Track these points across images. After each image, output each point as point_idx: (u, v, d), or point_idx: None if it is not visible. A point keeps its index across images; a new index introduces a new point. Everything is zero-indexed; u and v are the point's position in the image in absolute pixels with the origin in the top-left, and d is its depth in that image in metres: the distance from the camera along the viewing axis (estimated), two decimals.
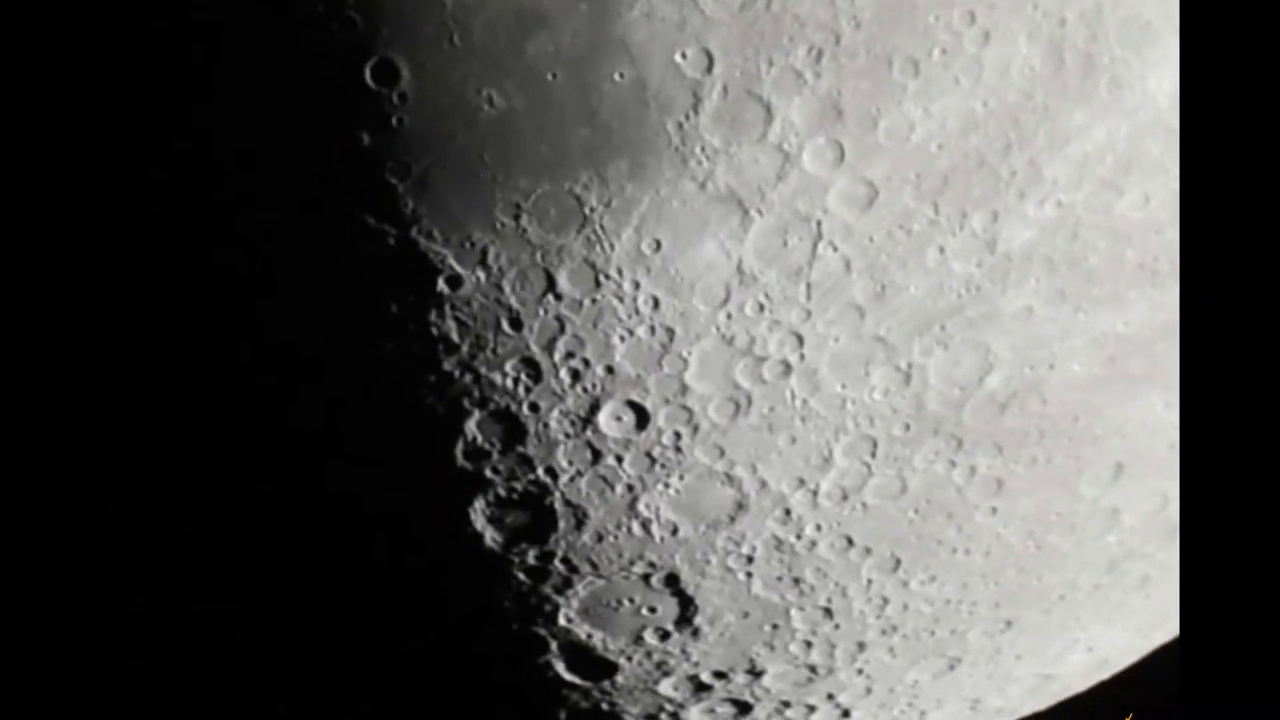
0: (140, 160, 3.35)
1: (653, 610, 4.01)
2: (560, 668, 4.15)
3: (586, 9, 3.20)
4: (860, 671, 4.33)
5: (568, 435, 3.61)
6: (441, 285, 3.40)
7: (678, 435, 3.63)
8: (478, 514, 3.74)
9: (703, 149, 3.30)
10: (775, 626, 4.09)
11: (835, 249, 3.42)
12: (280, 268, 3.42)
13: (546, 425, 3.60)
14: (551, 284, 3.40)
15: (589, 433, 3.61)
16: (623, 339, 3.47)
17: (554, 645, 4.09)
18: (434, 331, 3.46)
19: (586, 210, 3.33)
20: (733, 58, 3.25)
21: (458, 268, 3.38)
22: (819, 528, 3.85)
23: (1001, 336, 3.59)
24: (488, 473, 3.67)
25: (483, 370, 3.51)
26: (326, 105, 3.27)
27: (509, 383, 3.53)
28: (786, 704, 4.42)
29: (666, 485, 3.70)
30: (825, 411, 3.64)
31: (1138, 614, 4.49)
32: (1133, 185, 3.47)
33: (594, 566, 3.87)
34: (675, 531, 3.80)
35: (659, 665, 4.17)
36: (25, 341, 3.55)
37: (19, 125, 3.38)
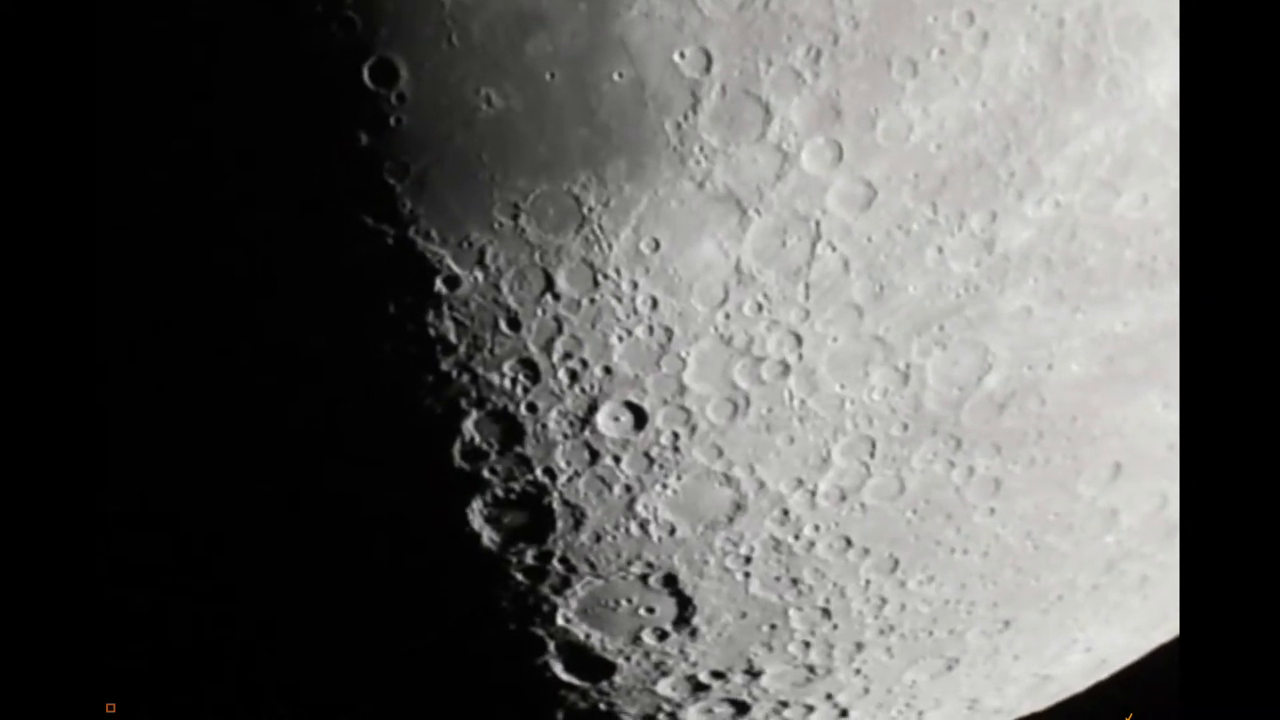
0: (140, 160, 3.35)
1: (651, 610, 4.01)
2: (558, 668, 4.15)
3: (585, 9, 3.20)
4: (858, 671, 4.33)
5: (566, 435, 3.61)
6: (439, 285, 3.40)
7: (676, 435, 3.63)
8: (475, 514, 3.74)
9: (701, 149, 3.30)
10: (773, 626, 4.09)
11: (834, 249, 3.42)
12: (280, 268, 3.42)
13: (544, 425, 3.60)
14: (550, 284, 3.40)
15: (587, 433, 3.61)
16: (621, 339, 3.47)
17: (552, 645, 4.09)
18: (432, 332, 3.46)
19: (585, 210, 3.33)
20: (731, 57, 3.25)
21: (456, 268, 3.38)
22: (817, 528, 3.85)
23: (1000, 336, 3.59)
24: (485, 473, 3.67)
25: (480, 370, 3.51)
26: (325, 105, 3.27)
27: (507, 383, 3.53)
28: (784, 704, 4.42)
29: (664, 485, 3.70)
30: (823, 412, 3.64)
31: (1136, 614, 4.48)
32: (1131, 185, 3.47)
33: (592, 567, 3.87)
34: (673, 532, 3.80)
35: (657, 665, 4.17)
36: (25, 341, 3.55)
37: (19, 125, 3.38)
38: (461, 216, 3.33)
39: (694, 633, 4.08)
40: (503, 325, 3.45)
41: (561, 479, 3.68)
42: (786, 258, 3.42)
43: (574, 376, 3.52)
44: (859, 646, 4.22)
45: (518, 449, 3.63)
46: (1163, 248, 3.56)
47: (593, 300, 3.42)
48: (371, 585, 3.94)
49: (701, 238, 3.37)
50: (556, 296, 3.42)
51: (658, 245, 3.37)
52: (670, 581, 3.93)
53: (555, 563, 3.85)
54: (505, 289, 3.41)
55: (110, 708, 4.26)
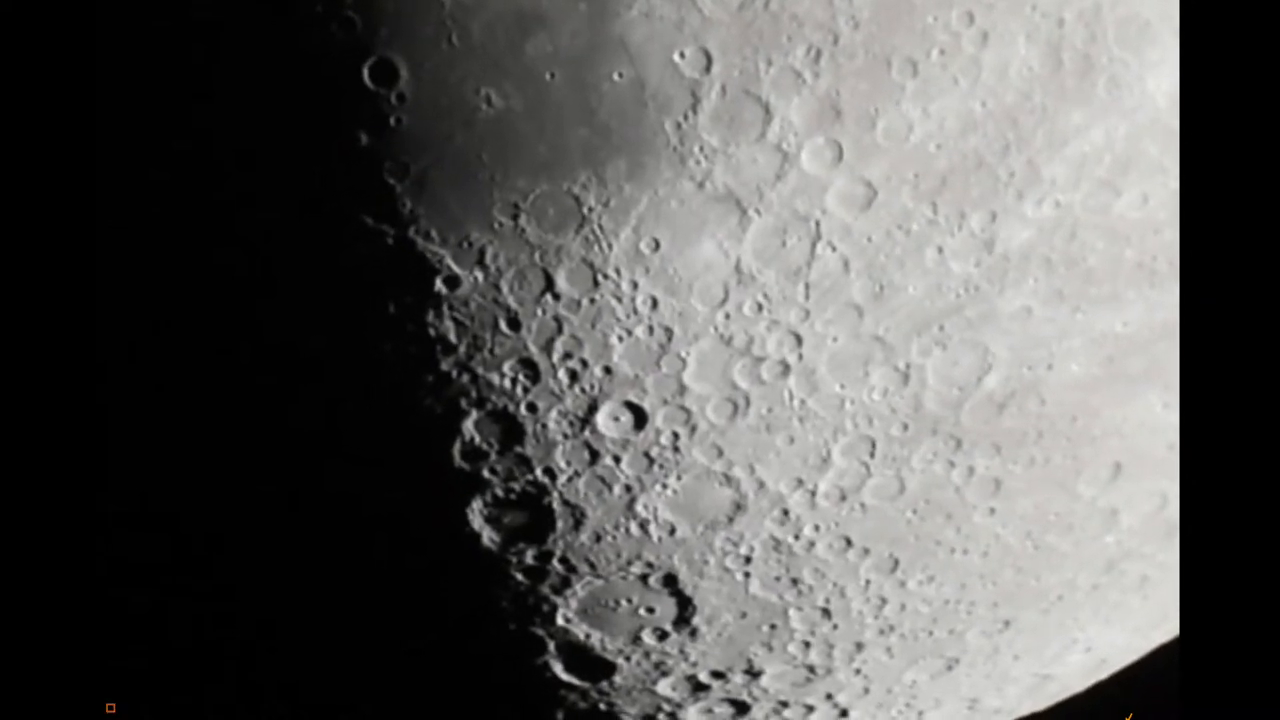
0: (140, 160, 3.35)
1: (651, 610, 4.01)
2: (558, 668, 4.15)
3: (585, 9, 3.20)
4: (858, 671, 4.33)
5: (566, 435, 3.61)
6: (439, 285, 3.40)
7: (676, 435, 3.63)
8: (475, 514, 3.74)
9: (701, 149, 3.30)
10: (773, 627, 4.09)
11: (834, 249, 3.42)
12: (280, 268, 3.42)
13: (544, 425, 3.60)
14: (550, 284, 3.40)
15: (587, 433, 3.61)
16: (621, 339, 3.47)
17: (552, 645, 4.09)
18: (432, 332, 3.46)
19: (585, 210, 3.33)
20: (731, 57, 3.25)
21: (455, 268, 3.38)
22: (817, 528, 3.84)
23: (1000, 336, 3.59)
24: (485, 473, 3.67)
25: (480, 370, 3.51)
26: (325, 105, 3.27)
27: (507, 383, 3.53)
28: (784, 704, 4.42)
29: (664, 485, 3.70)
30: (823, 412, 3.64)
31: (1136, 614, 4.48)
32: (1131, 185, 3.47)
33: (592, 567, 3.87)
34: (673, 532, 3.80)
35: (657, 665, 4.17)
36: (25, 341, 3.55)
37: (19, 125, 3.38)
38: (461, 216, 3.33)
39: (694, 633, 4.08)
40: (503, 325, 3.45)
41: (561, 479, 3.68)
42: (786, 258, 3.42)
43: (574, 376, 3.52)
44: (859, 646, 4.22)
45: (518, 449, 3.63)
46: (1163, 247, 3.56)
47: (593, 300, 3.42)
48: (371, 585, 3.94)
49: (701, 238, 3.37)
50: (556, 296, 3.42)
51: (658, 245, 3.37)
52: (670, 581, 3.93)
53: (555, 563, 3.86)
54: (505, 289, 3.41)
55: (110, 708, 4.26)
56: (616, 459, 3.65)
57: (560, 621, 4.01)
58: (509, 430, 3.60)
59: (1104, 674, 4.96)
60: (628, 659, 4.15)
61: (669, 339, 3.48)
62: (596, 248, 3.37)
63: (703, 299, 3.44)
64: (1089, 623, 4.41)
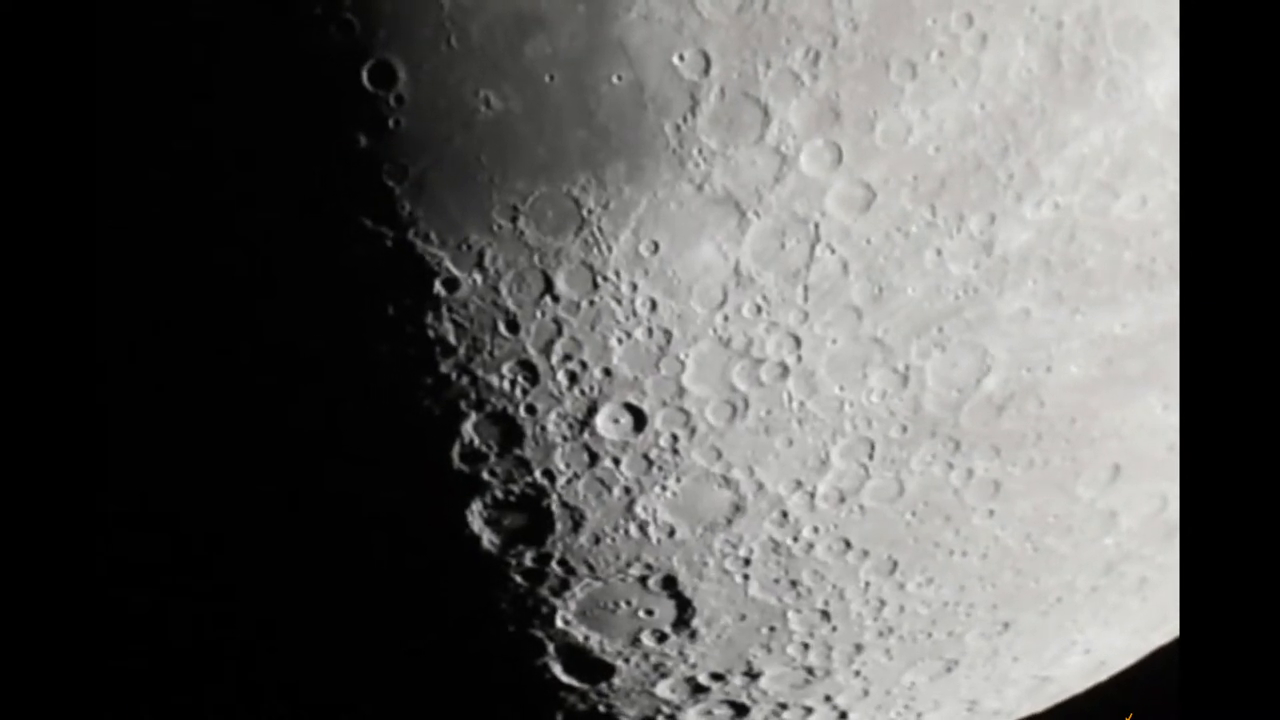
0: (140, 160, 3.35)
1: (650, 612, 4.01)
2: (557, 670, 4.16)
3: (584, 11, 3.19)
4: (857, 673, 4.33)
5: (565, 437, 3.61)
6: (438, 287, 3.40)
7: (675, 437, 3.63)
8: (475, 516, 3.74)
9: (700, 151, 3.30)
10: (772, 628, 4.10)
11: (833, 251, 3.42)
12: (280, 268, 3.42)
13: (544, 428, 3.60)
14: (549, 286, 3.40)
15: (586, 435, 3.61)
16: (620, 341, 3.47)
17: (551, 647, 4.09)
18: (431, 333, 3.46)
19: (584, 212, 3.33)
20: (730, 60, 3.25)
21: (454, 270, 3.38)
22: (816, 530, 3.85)
23: (999, 338, 3.59)
24: (485, 475, 3.67)
25: (480, 372, 3.51)
26: (325, 107, 3.27)
27: (506, 385, 3.53)
28: (784, 706, 4.42)
29: (664, 487, 3.70)
30: (822, 414, 3.64)
31: (1135, 616, 4.49)
32: (1130, 187, 3.47)
33: (591, 569, 3.87)
34: (672, 534, 3.80)
35: (656, 667, 4.17)
36: (25, 341, 3.55)
37: (19, 125, 3.38)
38: (460, 218, 3.33)
39: (693, 635, 4.08)
40: (502, 327, 3.45)
41: (561, 481, 3.68)
42: (785, 260, 3.42)
43: (573, 378, 3.52)
44: (858, 648, 4.22)
45: (517, 451, 3.63)
46: (1161, 249, 3.56)
47: (592, 302, 3.43)
48: (371, 586, 3.94)
49: (700, 240, 3.37)
50: (556, 299, 3.42)
51: (657, 247, 3.37)
52: (669, 583, 3.93)
53: (554, 565, 3.86)
54: (504, 291, 3.41)
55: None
56: (616, 461, 3.65)
57: (559, 623, 4.01)
58: (508, 432, 3.60)
59: (1103, 676, 4.96)
60: (627, 661, 4.15)
61: (668, 341, 3.48)
62: (596, 250, 3.36)
63: (702, 301, 3.44)
64: (1088, 625, 4.41)
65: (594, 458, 3.65)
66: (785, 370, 3.56)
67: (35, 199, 3.43)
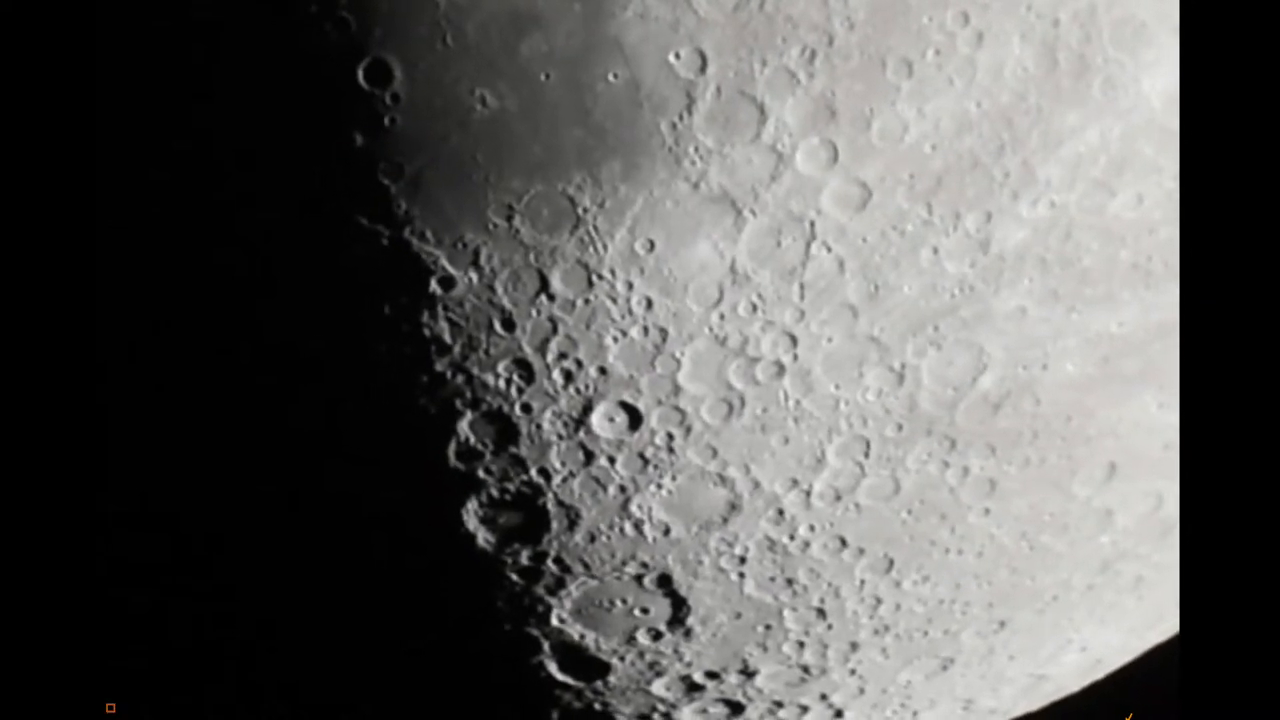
0: (140, 160, 3.36)
1: (645, 611, 4.01)
2: (553, 668, 4.16)
3: (580, 9, 3.20)
4: (853, 672, 4.33)
5: (560, 436, 3.61)
6: (434, 286, 3.40)
7: (670, 436, 3.63)
8: (471, 515, 3.74)
9: (696, 149, 3.30)
10: (768, 627, 4.09)
11: (829, 249, 3.42)
12: (280, 268, 3.43)
13: (539, 426, 3.60)
14: (544, 285, 3.40)
15: (581, 434, 3.61)
16: (615, 340, 3.47)
17: (547, 645, 4.09)
18: (427, 332, 3.46)
19: (580, 211, 3.33)
20: (726, 58, 3.25)
21: (450, 269, 3.38)
22: (812, 528, 3.84)
23: (995, 337, 3.59)
24: (480, 473, 3.67)
25: (475, 371, 3.51)
26: (322, 106, 3.28)
27: (501, 384, 3.53)
28: (779, 704, 4.42)
29: (659, 486, 3.70)
30: (818, 412, 3.64)
31: (1131, 614, 4.48)
32: (1126, 186, 3.46)
33: (586, 567, 3.87)
34: (668, 532, 3.80)
35: (651, 665, 4.17)
36: (25, 341, 3.55)
37: (19, 125, 3.39)
38: (456, 217, 3.33)
39: (688, 633, 4.07)
40: (497, 326, 3.45)
41: (556, 479, 3.68)
42: (781, 258, 3.42)
43: (569, 377, 3.52)
44: (854, 647, 4.22)
45: (512, 449, 3.63)
46: (1157, 248, 3.56)
47: (587, 301, 3.43)
48: (370, 585, 3.95)
49: (696, 238, 3.37)
50: (551, 297, 3.42)
51: (653, 246, 3.37)
52: (665, 582, 3.93)
53: (550, 563, 3.86)
54: (500, 290, 3.41)
55: (110, 708, 4.27)
56: (611, 459, 3.65)
57: (555, 622, 4.01)
58: (504, 431, 3.61)
59: (1099, 674, 4.95)
60: (622, 659, 4.15)
61: (664, 339, 3.48)
62: (591, 248, 3.37)
63: (698, 299, 3.44)
64: (1084, 623, 4.41)
65: (589, 456, 3.65)
66: (781, 369, 3.56)
67: (35, 199, 3.43)
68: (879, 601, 4.08)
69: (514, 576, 3.88)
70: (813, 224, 3.39)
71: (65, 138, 3.37)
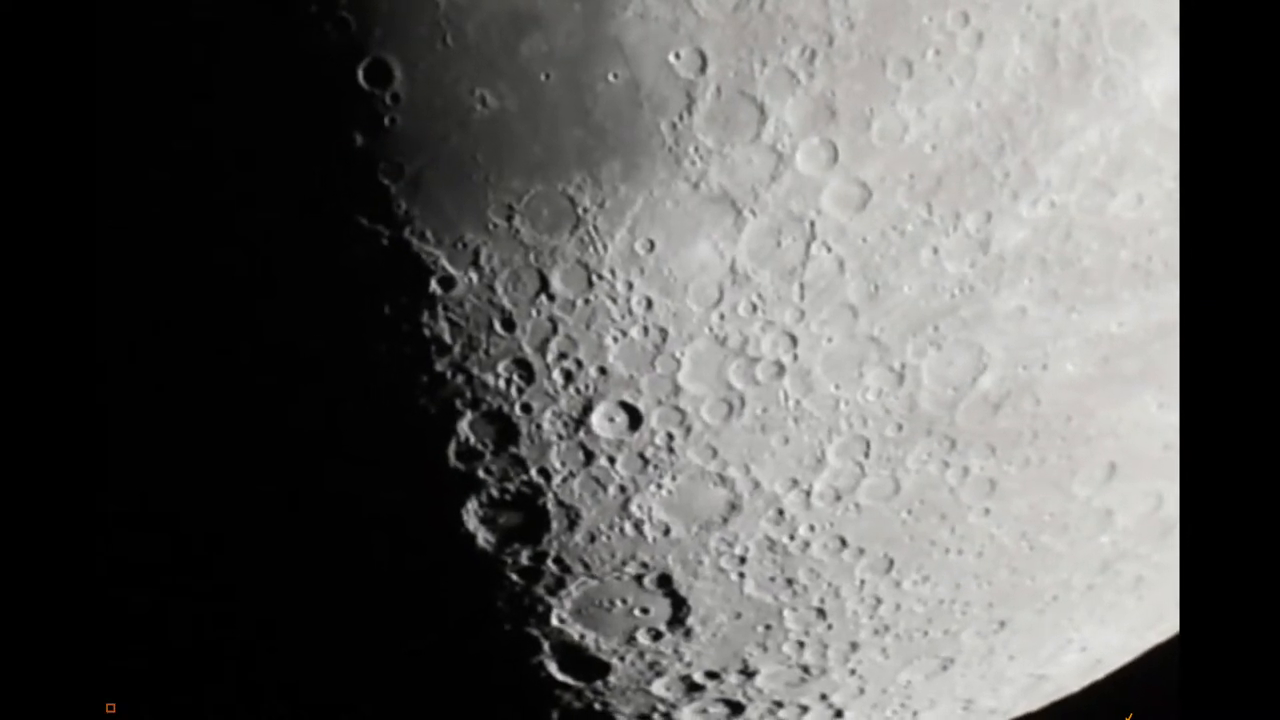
0: (140, 160, 3.36)
1: (645, 611, 4.01)
2: (553, 668, 4.16)
3: (580, 9, 3.20)
4: (853, 672, 4.33)
5: (560, 436, 3.61)
6: (434, 286, 3.40)
7: (670, 436, 3.63)
8: (471, 515, 3.74)
9: (696, 149, 3.30)
10: (768, 627, 4.09)
11: (829, 249, 3.42)
12: (280, 268, 3.42)
13: (539, 426, 3.60)
14: (544, 285, 3.40)
15: (581, 434, 3.61)
16: (615, 340, 3.47)
17: (547, 645, 4.09)
18: (427, 332, 3.46)
19: (580, 211, 3.33)
20: (726, 58, 3.25)
21: (450, 269, 3.38)
22: (812, 528, 3.84)
23: (995, 337, 3.59)
24: (480, 473, 3.67)
25: (475, 371, 3.51)
26: (322, 106, 3.27)
27: (501, 384, 3.53)
28: (779, 704, 4.42)
29: (659, 486, 3.70)
30: (818, 412, 3.64)
31: (1131, 614, 4.48)
32: (1126, 186, 3.46)
33: (586, 567, 3.87)
34: (668, 532, 3.80)
35: (651, 665, 4.17)
36: (25, 341, 3.55)
37: (19, 125, 3.39)
38: (456, 217, 3.33)
39: (688, 633, 4.07)
40: (497, 326, 3.45)
41: (556, 479, 3.68)
42: (781, 258, 3.42)
43: (569, 377, 3.52)
44: (854, 647, 4.22)
45: (512, 449, 3.63)
46: (1157, 248, 3.56)
47: (587, 301, 3.43)
48: (370, 585, 3.95)
49: (696, 238, 3.37)
50: (551, 297, 3.42)
51: (653, 246, 3.37)
52: (665, 582, 3.93)
53: (550, 563, 3.86)
54: (500, 290, 3.41)
55: (110, 708, 4.27)
56: (611, 459, 3.65)
57: (555, 622, 4.01)
58: (504, 431, 3.60)
59: (1099, 674, 4.95)
60: (622, 659, 4.15)
61: (664, 339, 3.48)
62: (591, 248, 3.37)
63: (698, 300, 3.44)
64: (1084, 623, 4.41)
65: (589, 456, 3.65)
66: (781, 369, 3.56)
67: (35, 199, 3.43)
68: (879, 601, 4.08)
69: (514, 576, 3.88)
70: (813, 224, 3.39)
71: (65, 138, 3.36)
